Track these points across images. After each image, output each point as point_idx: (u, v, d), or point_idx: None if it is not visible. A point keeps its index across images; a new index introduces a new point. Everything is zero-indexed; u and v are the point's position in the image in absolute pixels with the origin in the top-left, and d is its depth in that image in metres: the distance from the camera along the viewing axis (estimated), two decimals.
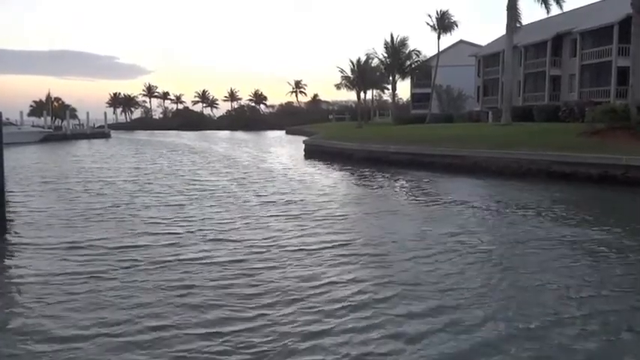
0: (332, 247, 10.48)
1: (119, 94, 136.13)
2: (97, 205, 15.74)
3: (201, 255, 9.98)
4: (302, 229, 12.13)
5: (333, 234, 11.64)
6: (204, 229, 12.17)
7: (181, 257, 9.87)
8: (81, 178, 23.58)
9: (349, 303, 7.41)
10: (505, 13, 38.01)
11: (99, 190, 19.40)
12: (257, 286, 8.27)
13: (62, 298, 7.72)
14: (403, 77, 66.87)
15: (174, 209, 14.86)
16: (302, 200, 16.45)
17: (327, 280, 8.49)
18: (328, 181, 22.47)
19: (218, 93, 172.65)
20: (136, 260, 9.66)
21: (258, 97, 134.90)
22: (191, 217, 13.74)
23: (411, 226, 12.42)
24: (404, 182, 22.00)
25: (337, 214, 14.07)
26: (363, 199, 17.09)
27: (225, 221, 13.14)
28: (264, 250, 10.35)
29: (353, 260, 9.64)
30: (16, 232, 11.95)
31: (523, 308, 7.22)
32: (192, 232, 11.93)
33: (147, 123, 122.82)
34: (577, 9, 48.41)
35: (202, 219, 13.45)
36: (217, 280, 8.60)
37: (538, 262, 9.46)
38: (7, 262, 9.86)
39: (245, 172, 25.39)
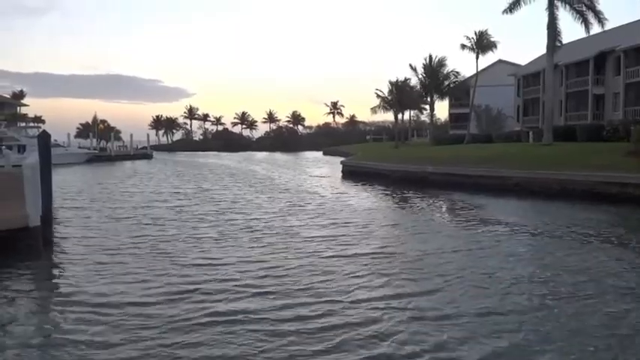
0: (418, 303, 8.52)
1: (161, 116, 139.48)
2: (132, 237, 14.48)
3: (255, 316, 7.89)
4: (373, 275, 10.21)
5: (408, 281, 9.80)
6: (254, 274, 10.29)
7: (227, 316, 7.87)
8: (119, 203, 23.18)
9: None
10: (545, 31, 37.36)
11: (135, 217, 18.34)
12: None
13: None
14: (441, 97, 66.22)
15: (217, 245, 13.30)
16: (357, 233, 14.84)
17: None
18: (374, 205, 21.81)
19: (257, 114, 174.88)
20: (165, 321, 7.67)
21: (296, 118, 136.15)
22: (238, 255, 12.07)
23: (486, 265, 11.01)
24: (452, 206, 21.37)
25: (402, 252, 12.38)
26: (420, 231, 15.36)
27: (279, 264, 11.18)
28: (338, 307, 8.28)
29: (447, 317, 7.76)
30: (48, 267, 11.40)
31: None
32: (240, 278, 10.00)
33: (187, 144, 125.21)
34: (620, 27, 47.15)
35: (250, 259, 11.69)
36: None
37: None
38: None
39: (288, 196, 25.00)
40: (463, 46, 58.34)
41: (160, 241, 13.89)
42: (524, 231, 15.16)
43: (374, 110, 78.05)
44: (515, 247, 13.00)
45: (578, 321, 7.78)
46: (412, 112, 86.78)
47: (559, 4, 36.78)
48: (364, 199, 24.46)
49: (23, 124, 71.39)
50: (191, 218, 18.09)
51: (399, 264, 11.23)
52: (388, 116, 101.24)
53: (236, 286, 9.59)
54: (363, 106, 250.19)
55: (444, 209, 20.87)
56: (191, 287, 9.49)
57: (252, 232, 15.29)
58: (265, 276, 10.28)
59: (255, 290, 9.29)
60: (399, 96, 72.01)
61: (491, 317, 7.89)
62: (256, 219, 17.75)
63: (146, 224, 16.87)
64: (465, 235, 14.64)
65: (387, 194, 26.58)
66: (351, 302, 8.64)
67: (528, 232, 15.07)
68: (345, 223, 16.82)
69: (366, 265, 11.12)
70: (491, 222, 16.83)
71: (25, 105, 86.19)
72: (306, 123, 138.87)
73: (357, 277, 10.17)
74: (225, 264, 11.31)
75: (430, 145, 58.68)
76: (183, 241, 13.99)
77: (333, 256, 11.96)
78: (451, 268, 10.79)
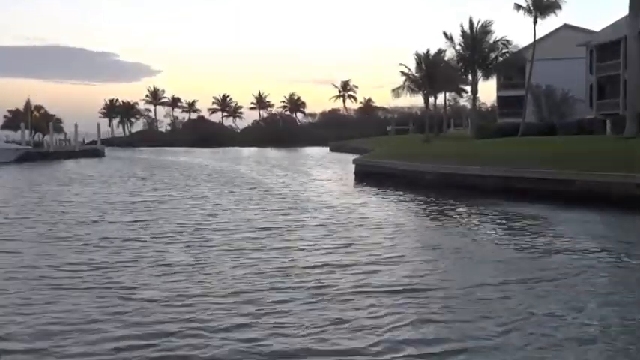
0: None
1: (116, 100, 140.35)
2: (73, 263, 14.21)
3: None
4: (407, 319, 9.80)
5: (455, 330, 9.30)
6: (242, 319, 9.81)
7: None
8: (58, 216, 22.87)
9: None
10: None
11: (79, 237, 17.93)
12: None
13: None
14: (487, 75, 66.11)
15: (190, 275, 12.84)
16: (381, 259, 14.40)
17: None
18: (401, 220, 21.64)
19: (243, 98, 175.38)
20: None
21: (294, 103, 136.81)
22: (219, 289, 11.61)
23: (561, 307, 10.37)
24: (505, 221, 21.17)
25: (445, 286, 11.86)
26: (466, 256, 14.81)
27: (276, 303, 10.68)
28: None
29: None
30: None
31: None
32: (222, 325, 9.52)
33: (151, 137, 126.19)
34: None
35: (236, 296, 11.17)
36: None
37: None
38: None
39: (285, 207, 24.93)
40: (518, 7, 58.13)
41: (112, 270, 13.61)
42: (609, 258, 14.73)
43: (397, 93, 78.35)
44: (599, 281, 12.54)
45: None
46: (448, 94, 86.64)
47: None
48: (387, 210, 24.39)
49: None
50: (155, 238, 17.90)
51: (440, 303, 10.76)
52: (416, 100, 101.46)
53: (217, 335, 9.11)
54: (383, 88, 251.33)
55: (495, 225, 20.64)
56: (153, 341, 8.99)
57: (238, 257, 14.98)
58: (254, 323, 9.79)
59: (243, 345, 8.77)
60: (431, 73, 71.95)
61: None
62: (244, 238, 17.55)
63: (94, 246, 16.64)
64: (527, 263, 14.25)
65: (417, 204, 26.56)
66: None
67: (614, 259, 14.64)
68: (364, 244, 16.55)
69: (396, 304, 10.69)
70: (561, 243, 16.50)
71: None
72: (308, 109, 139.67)
73: (385, 323, 9.69)
74: (201, 303, 10.88)
75: (472, 138, 58.62)
76: (144, 269, 13.70)
77: (349, 292, 11.53)
78: (514, 310, 10.31)
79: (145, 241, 17.43)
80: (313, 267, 13.78)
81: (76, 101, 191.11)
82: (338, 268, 13.66)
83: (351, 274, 13.09)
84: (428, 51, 74.30)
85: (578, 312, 10.23)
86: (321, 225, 20.08)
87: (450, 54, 68.22)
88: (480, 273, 13.22)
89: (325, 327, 9.53)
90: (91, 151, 79.68)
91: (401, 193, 30.18)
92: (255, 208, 24.72)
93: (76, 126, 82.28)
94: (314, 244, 16.63)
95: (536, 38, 59.89)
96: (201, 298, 11.23)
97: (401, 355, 8.40)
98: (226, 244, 16.74)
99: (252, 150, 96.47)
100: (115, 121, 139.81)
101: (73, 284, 12.32)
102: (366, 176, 38.31)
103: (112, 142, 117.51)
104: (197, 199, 28.51)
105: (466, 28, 64.88)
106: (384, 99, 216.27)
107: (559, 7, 57.95)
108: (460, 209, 24.26)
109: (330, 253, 15.47)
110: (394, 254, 15.20)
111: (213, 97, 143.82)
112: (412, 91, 76.50)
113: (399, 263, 14.17)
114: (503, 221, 21.22)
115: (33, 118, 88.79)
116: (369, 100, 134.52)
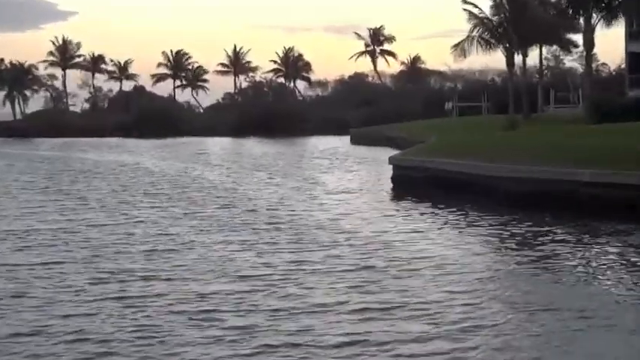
0: None
1: (1, 61, 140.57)
2: None
3: None
4: None
5: None
6: None
7: None
8: None
9: None
10: None
11: None
12: None
13: None
14: (609, 19, 66.02)
15: None
16: (458, 336, 14.10)
17: None
18: (477, 260, 21.30)
19: (208, 57, 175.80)
20: None
21: (294, 65, 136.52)
22: None
23: None
24: None
25: None
26: (599, 321, 15.00)
27: None
28: None
29: None
30: None
31: None
32: None
33: (58, 121, 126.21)
34: None
35: None
36: None
37: None
38: None
39: (283, 239, 24.97)
40: None
41: None
42: None
43: (461, 49, 78.06)
44: None
45: None
46: (545, 50, 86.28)
47: None
48: (451, 243, 24.40)
49: None
50: (64, 291, 17.79)
51: None
52: (493, 60, 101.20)
53: None
54: (437, 40, 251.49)
55: (631, 269, 20.36)
56: None
57: (207, 326, 14.73)
58: None
59: None
60: (517, 15, 71.87)
61: None
62: (216, 293, 17.40)
63: None
64: None
65: (499, 231, 26.63)
66: None
67: None
68: (420, 302, 16.35)
69: None
70: None
71: None
72: (317, 75, 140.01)
73: None
74: None
75: (587, 121, 58.11)
76: (48, 347, 13.44)
77: None
78: None
79: (48, 298, 17.19)
80: (336, 345, 13.54)
81: None
82: (378, 345, 13.44)
83: (405, 357, 12.93)
84: None
85: None
86: (344, 270, 19.94)
87: None
88: (624, 350, 13.14)
89: None
90: None
91: (470, 211, 30.37)
92: (233, 240, 24.74)
93: None
94: (335, 304, 16.40)
95: None
96: None
97: None
98: (186, 302, 16.55)
99: (225, 141, 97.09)
100: (0, 95, 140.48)
101: None
102: (410, 185, 38.76)
103: None
104: (134, 226, 28.50)
105: None
106: (438, 58, 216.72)
107: None
108: (575, 240, 24.01)
109: (365, 319, 15.25)
110: (474, 321, 14.99)
111: (161, 55, 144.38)
112: (486, 45, 76.35)
113: (483, 337, 13.97)
114: None
115: None
116: (416, 58, 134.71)
